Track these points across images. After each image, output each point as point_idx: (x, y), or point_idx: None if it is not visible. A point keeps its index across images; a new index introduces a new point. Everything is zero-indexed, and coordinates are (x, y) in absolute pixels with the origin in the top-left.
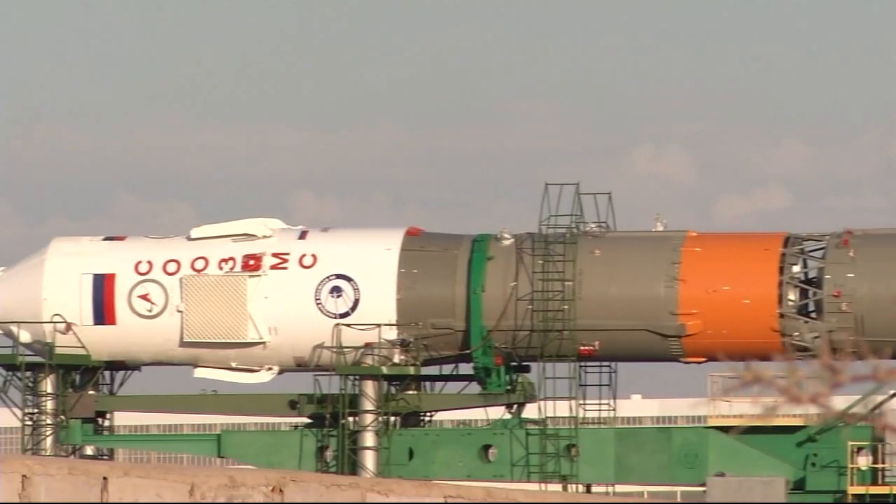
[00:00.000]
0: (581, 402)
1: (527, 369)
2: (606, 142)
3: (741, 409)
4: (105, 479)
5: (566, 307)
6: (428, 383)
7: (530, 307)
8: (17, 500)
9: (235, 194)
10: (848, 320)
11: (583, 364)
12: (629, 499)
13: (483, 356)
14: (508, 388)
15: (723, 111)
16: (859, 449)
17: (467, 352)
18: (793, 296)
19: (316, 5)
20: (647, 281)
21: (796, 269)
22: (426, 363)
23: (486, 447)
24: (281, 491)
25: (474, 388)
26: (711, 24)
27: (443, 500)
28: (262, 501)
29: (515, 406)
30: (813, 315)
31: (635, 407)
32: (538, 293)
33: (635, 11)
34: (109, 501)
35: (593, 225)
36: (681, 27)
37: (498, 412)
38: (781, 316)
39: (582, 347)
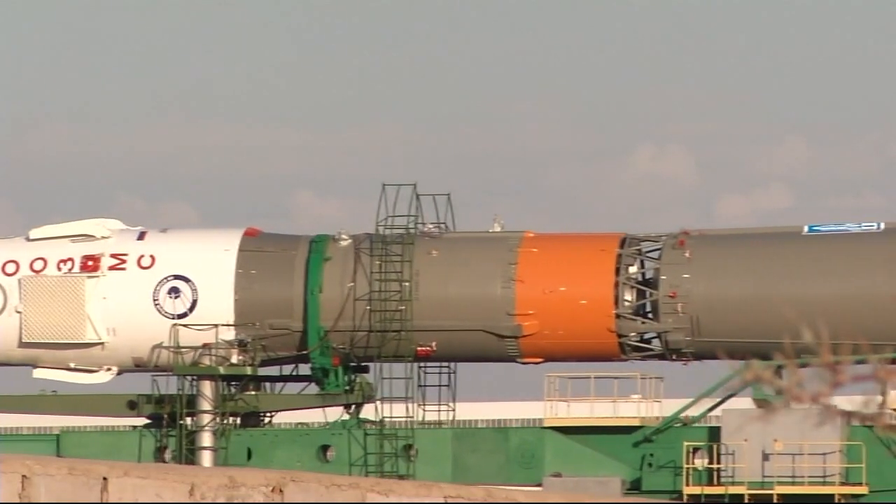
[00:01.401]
0: (420, 402)
1: (365, 370)
2: (607, 142)
3: (579, 409)
4: (105, 479)
5: (403, 308)
6: (269, 384)
7: (368, 308)
8: (17, 500)
9: (236, 194)
10: (683, 321)
11: (422, 365)
12: (629, 499)
13: (320, 357)
14: (346, 388)
15: (724, 111)
16: (696, 450)
17: (305, 352)
18: (629, 296)
19: (316, 5)
20: (484, 281)
21: (633, 269)
22: (265, 364)
23: (325, 447)
24: (281, 491)
25: (314, 388)
26: (712, 24)
27: (443, 500)
28: (262, 501)
29: (353, 406)
30: (650, 316)
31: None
32: (375, 294)
33: (636, 11)
34: (109, 501)
35: (431, 226)
36: (681, 27)
37: (337, 412)
38: (618, 317)
39: (419, 348)
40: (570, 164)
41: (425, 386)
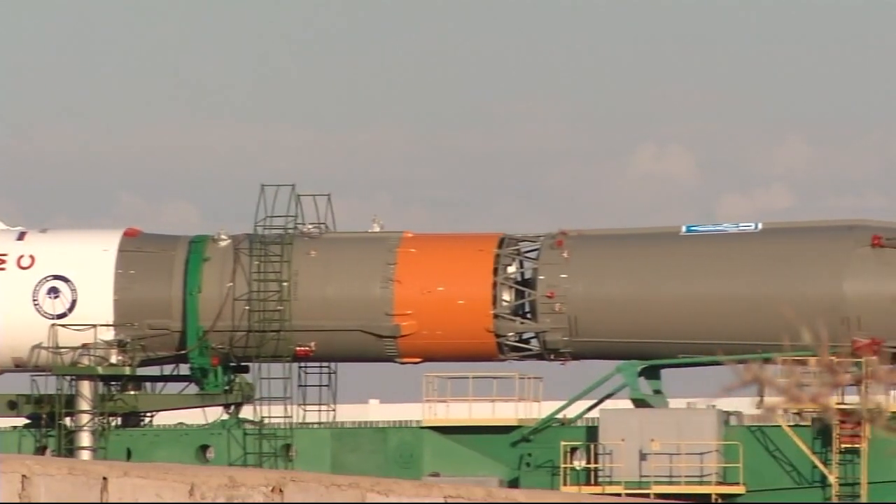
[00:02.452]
0: (301, 402)
1: (245, 370)
2: (607, 142)
3: (458, 410)
4: (105, 479)
5: (282, 308)
6: (149, 384)
7: (247, 308)
8: (17, 500)
9: (237, 194)
10: (561, 321)
11: (302, 365)
12: (629, 499)
13: (199, 357)
14: (226, 388)
15: (724, 111)
16: (573, 449)
17: (184, 352)
18: (507, 296)
19: (318, 5)
20: (363, 282)
21: (511, 269)
22: (144, 364)
23: (204, 447)
24: (281, 491)
25: (195, 388)
26: (713, 24)
27: (443, 500)
28: (261, 501)
29: (233, 406)
30: (528, 316)
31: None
32: (255, 294)
33: (636, 11)
34: (109, 501)
35: (311, 226)
36: (682, 27)
37: (218, 412)
38: (496, 317)
39: (298, 348)
40: (570, 164)
41: (306, 386)
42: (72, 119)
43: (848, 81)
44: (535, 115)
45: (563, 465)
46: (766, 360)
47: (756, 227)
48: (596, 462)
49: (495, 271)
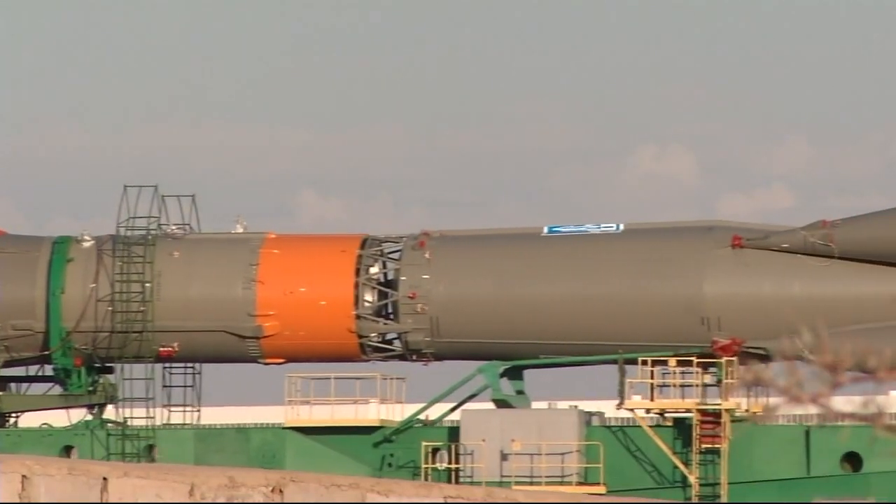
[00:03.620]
0: (165, 402)
1: (110, 370)
2: (608, 141)
3: (321, 411)
4: (105, 479)
5: (144, 309)
6: (14, 384)
7: (110, 308)
8: (17, 500)
9: (239, 194)
10: (423, 321)
11: (166, 365)
12: (629, 499)
13: (63, 357)
14: (90, 389)
15: (725, 111)
16: (435, 450)
17: (48, 353)
18: (370, 297)
19: (318, 5)
20: (226, 282)
21: (374, 270)
22: (9, 364)
23: (68, 448)
24: (281, 491)
25: (60, 389)
26: (714, 24)
27: (442, 500)
28: (261, 501)
29: (96, 407)
30: (391, 317)
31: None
32: (117, 295)
33: (637, 11)
34: (109, 501)
35: (174, 227)
36: (683, 26)
37: (82, 413)
38: (358, 317)
39: (161, 349)
40: (571, 164)
41: (171, 386)
42: (72, 119)
43: (849, 81)
44: (536, 115)
45: (424, 466)
46: (628, 361)
47: (618, 228)
48: (457, 462)
49: (358, 272)
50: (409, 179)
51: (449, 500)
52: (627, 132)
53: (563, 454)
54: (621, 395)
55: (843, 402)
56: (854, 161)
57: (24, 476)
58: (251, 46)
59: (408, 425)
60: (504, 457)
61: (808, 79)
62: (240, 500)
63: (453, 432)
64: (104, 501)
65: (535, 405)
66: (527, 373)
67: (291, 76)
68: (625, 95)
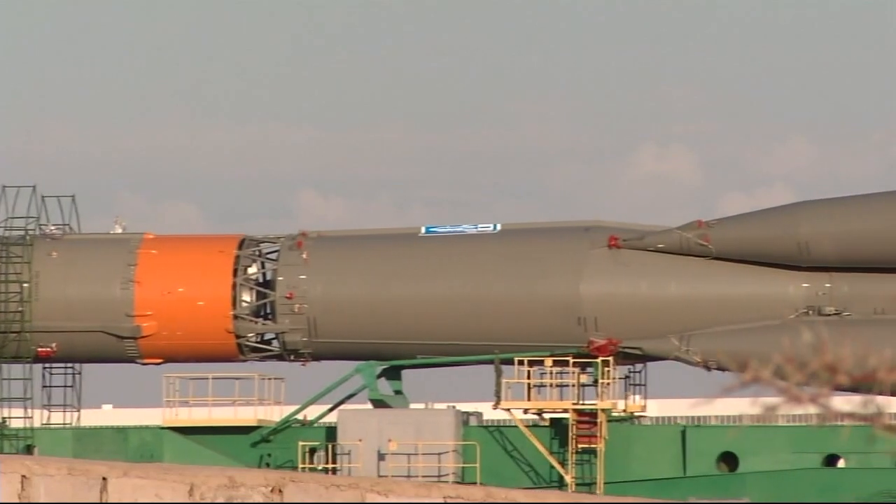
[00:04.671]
0: (46, 403)
1: None
2: (609, 141)
3: (199, 411)
4: (104, 479)
5: (22, 309)
6: None
7: None
8: (17, 500)
9: (240, 194)
10: (300, 322)
11: (46, 366)
12: (630, 499)
13: None
14: None
15: (726, 111)
16: (312, 450)
17: None
18: (248, 297)
19: (319, 5)
20: (104, 283)
21: (252, 270)
22: None
23: None
24: (280, 491)
25: None
26: (715, 23)
27: (442, 500)
28: (261, 501)
29: None
30: (269, 317)
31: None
32: None
33: (638, 10)
34: (109, 501)
35: (53, 227)
36: (684, 26)
37: None
38: (236, 317)
39: (40, 349)
40: (572, 163)
41: (50, 387)
42: (73, 120)
43: (850, 81)
44: (537, 115)
45: (301, 466)
46: (504, 361)
47: (495, 228)
48: (334, 462)
49: (236, 272)
50: (409, 179)
51: (449, 500)
52: (628, 132)
53: (439, 454)
54: (497, 396)
55: (843, 402)
56: (854, 160)
57: (23, 476)
58: (251, 47)
59: (285, 425)
60: (381, 456)
61: (808, 79)
62: (239, 500)
63: (331, 432)
64: (104, 501)
65: (416, 406)
66: (409, 373)
67: (292, 77)
68: (625, 95)
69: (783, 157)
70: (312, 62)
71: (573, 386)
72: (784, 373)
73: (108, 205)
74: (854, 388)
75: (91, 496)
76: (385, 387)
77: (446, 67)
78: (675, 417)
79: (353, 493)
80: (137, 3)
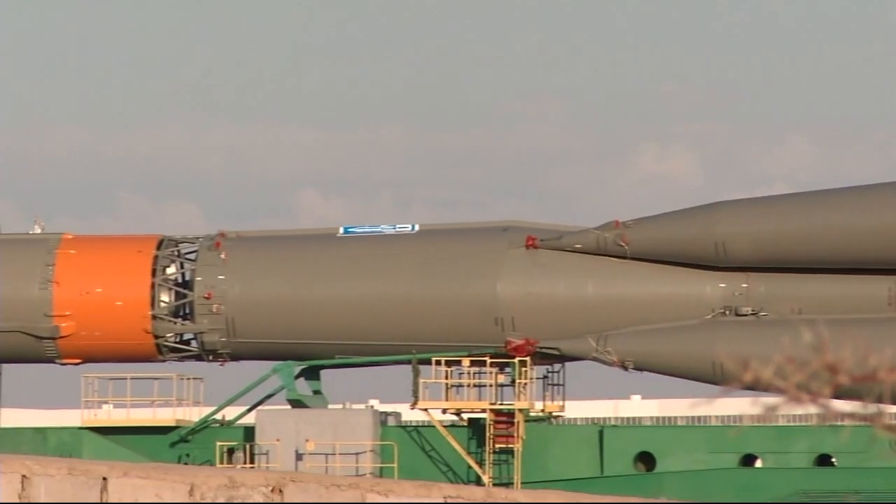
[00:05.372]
0: None
1: None
2: (610, 141)
3: (119, 412)
4: (105, 479)
5: None
6: None
7: None
8: (17, 500)
9: (241, 194)
10: (219, 322)
11: None
12: (630, 499)
13: None
14: None
15: (727, 111)
16: (230, 450)
17: None
18: (166, 297)
19: (320, 6)
20: (22, 283)
21: (171, 270)
22: None
23: None
24: (281, 491)
25: None
26: (715, 23)
27: (442, 501)
28: (261, 501)
29: None
30: (188, 317)
31: (635, 408)
32: None
33: (638, 10)
34: (109, 502)
35: None
36: (684, 26)
37: None
38: (154, 318)
39: None
40: (573, 163)
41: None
42: (74, 120)
43: (850, 81)
44: (537, 115)
45: (219, 465)
46: (422, 361)
47: (413, 229)
48: (252, 462)
49: (154, 272)
50: (410, 179)
51: (449, 500)
52: (628, 132)
53: (357, 454)
54: (415, 396)
55: (843, 403)
56: (855, 160)
57: (24, 476)
58: (251, 47)
59: (203, 425)
60: (299, 456)
61: (809, 78)
62: (240, 500)
63: (249, 432)
64: (104, 501)
65: (334, 406)
66: (328, 374)
67: (293, 77)
68: (626, 95)
69: (784, 156)
70: (313, 62)
71: (490, 386)
72: (784, 373)
73: (109, 205)
74: (846, 392)
75: (91, 496)
76: (304, 387)
77: (446, 67)
78: (608, 419)
79: (354, 493)
80: (138, 3)
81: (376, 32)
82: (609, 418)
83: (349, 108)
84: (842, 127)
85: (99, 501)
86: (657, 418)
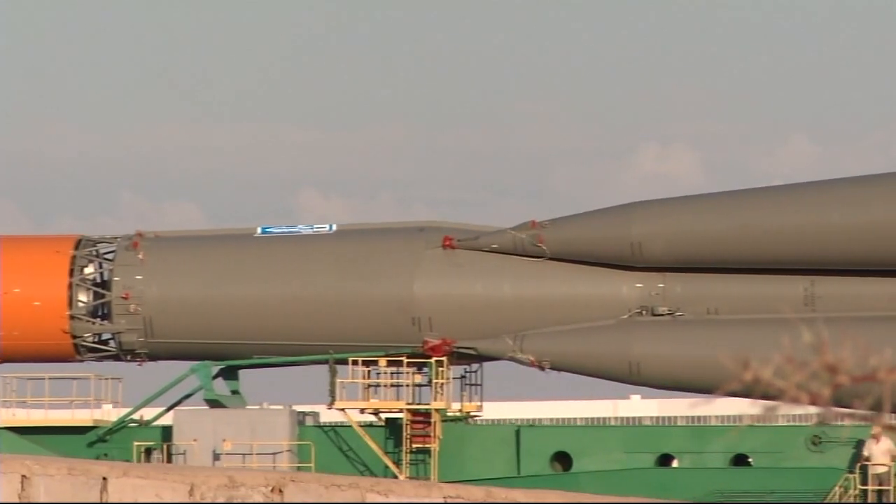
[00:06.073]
0: None
1: None
2: (610, 141)
3: (37, 412)
4: (104, 479)
5: None
6: None
7: None
8: (17, 500)
9: (241, 193)
10: (137, 322)
11: None
12: (630, 498)
13: None
14: None
15: (728, 110)
16: (148, 450)
17: None
18: (84, 298)
19: (320, 6)
20: None
21: (89, 270)
22: None
23: None
24: (280, 491)
25: None
26: (716, 23)
27: (442, 500)
28: (261, 501)
29: None
30: (107, 317)
31: (634, 407)
32: None
33: (639, 10)
34: (109, 501)
35: None
36: (685, 25)
37: None
38: (72, 318)
39: None
40: (573, 163)
41: None
42: (74, 120)
43: (852, 80)
44: (538, 115)
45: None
46: (339, 361)
47: (331, 229)
48: (169, 461)
49: (72, 272)
50: (410, 179)
51: (449, 500)
52: (629, 131)
53: (274, 454)
54: (332, 396)
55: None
56: (856, 160)
57: (23, 476)
58: (252, 46)
59: (121, 425)
60: (216, 456)
61: (810, 78)
62: (239, 500)
63: (167, 432)
64: (104, 501)
65: (253, 407)
66: (249, 375)
67: (293, 76)
68: (626, 94)
69: (785, 156)
70: (312, 62)
71: (408, 386)
72: (784, 373)
73: (109, 205)
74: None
75: (91, 496)
76: (222, 387)
77: (447, 67)
78: (608, 419)
79: (353, 492)
80: (138, 3)
81: (376, 32)
82: (608, 418)
83: (349, 108)
84: (843, 126)
85: (99, 501)
86: (657, 418)
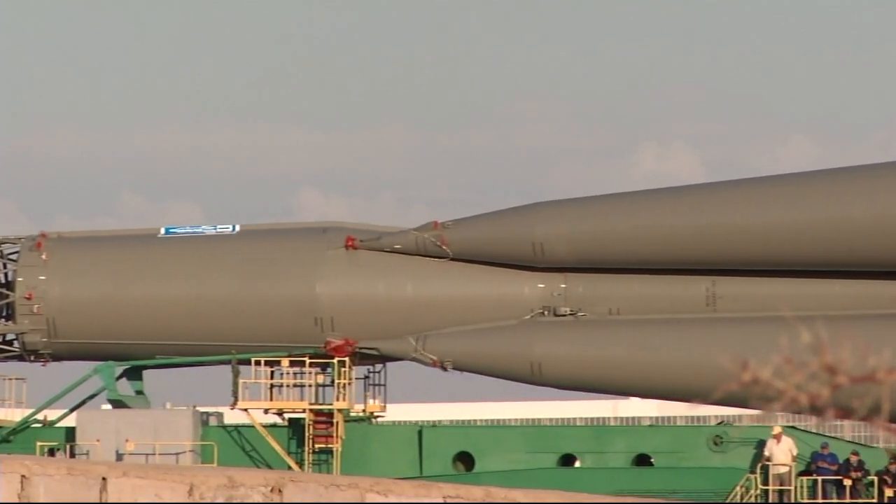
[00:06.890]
0: None
1: None
2: (610, 141)
3: None
4: (104, 479)
5: None
6: None
7: None
8: (17, 500)
9: (241, 193)
10: (40, 322)
11: None
12: (630, 498)
13: None
14: None
15: (728, 110)
16: (51, 450)
17: None
18: None
19: (319, 5)
20: None
21: None
22: None
23: None
24: (280, 491)
25: None
26: (716, 22)
27: (442, 500)
28: (261, 501)
29: None
30: (10, 317)
31: (634, 407)
32: None
33: (639, 9)
34: (108, 501)
35: None
36: (685, 25)
37: None
38: None
39: None
40: (573, 163)
41: None
42: (74, 120)
43: (852, 81)
44: (537, 115)
45: None
46: (242, 361)
47: (234, 230)
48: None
49: None
50: (410, 179)
51: (448, 500)
52: (629, 131)
53: (177, 454)
54: (235, 396)
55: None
56: (857, 160)
57: (23, 476)
58: (253, 46)
59: (24, 426)
60: (119, 457)
61: (810, 77)
62: (239, 500)
63: (71, 432)
64: (103, 501)
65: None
66: (153, 376)
67: (293, 76)
68: (627, 94)
69: (785, 156)
70: (313, 62)
71: (311, 386)
72: (783, 374)
73: (109, 205)
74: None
75: (91, 496)
76: (127, 388)
77: (447, 67)
78: (608, 418)
79: (353, 492)
80: (138, 2)
81: (376, 32)
82: (608, 418)
83: (349, 108)
84: (843, 127)
85: (98, 501)
86: (657, 418)
